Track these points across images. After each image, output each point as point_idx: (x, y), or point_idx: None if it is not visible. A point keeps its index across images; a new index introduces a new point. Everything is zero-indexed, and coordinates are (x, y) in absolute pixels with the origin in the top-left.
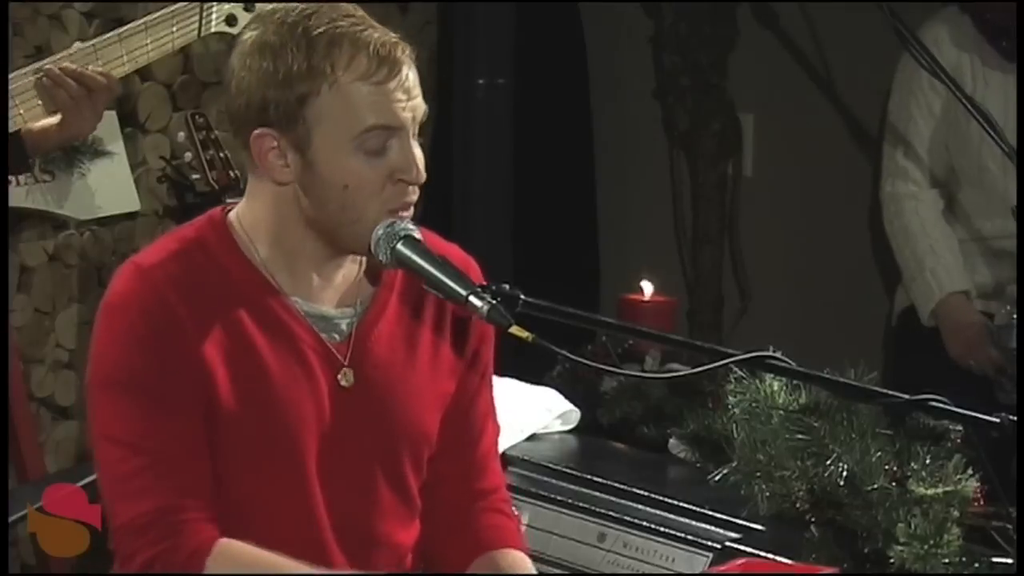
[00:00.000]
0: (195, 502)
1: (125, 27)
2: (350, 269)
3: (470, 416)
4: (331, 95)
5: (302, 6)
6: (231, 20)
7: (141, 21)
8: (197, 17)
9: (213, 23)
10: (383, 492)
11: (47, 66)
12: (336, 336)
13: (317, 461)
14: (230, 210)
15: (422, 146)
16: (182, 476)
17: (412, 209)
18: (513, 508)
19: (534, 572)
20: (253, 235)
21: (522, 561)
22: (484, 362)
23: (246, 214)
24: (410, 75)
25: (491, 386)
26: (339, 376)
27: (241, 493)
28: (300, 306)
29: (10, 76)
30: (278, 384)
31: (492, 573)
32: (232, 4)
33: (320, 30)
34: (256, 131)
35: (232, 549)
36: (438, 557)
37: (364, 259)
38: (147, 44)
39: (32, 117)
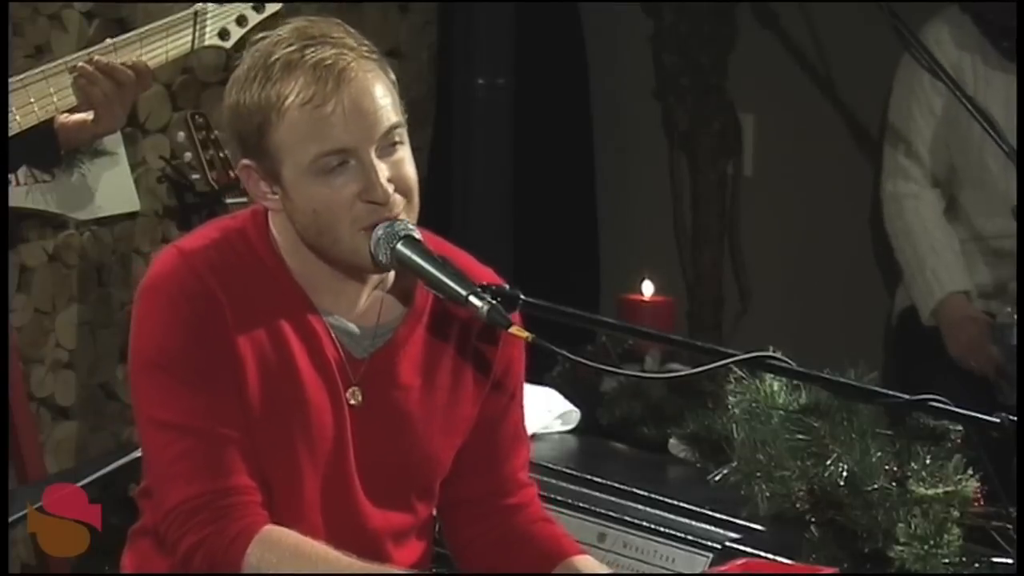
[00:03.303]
0: (244, 482)
1: (119, 38)
2: (372, 287)
3: (494, 439)
4: (282, 125)
5: (287, 30)
6: (224, 34)
7: (135, 32)
8: (191, 30)
9: (207, 37)
10: (384, 510)
11: (80, 63)
12: (357, 353)
13: (323, 466)
14: None
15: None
16: (230, 456)
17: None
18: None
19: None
20: (279, 243)
21: (596, 564)
22: (509, 389)
23: (274, 222)
24: (364, 90)
25: (519, 411)
26: (347, 394)
27: None
28: (326, 317)
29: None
30: (300, 385)
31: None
32: (226, 17)
33: (276, 56)
34: (242, 162)
35: (274, 535)
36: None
37: (389, 278)
38: (140, 55)
39: (64, 106)
